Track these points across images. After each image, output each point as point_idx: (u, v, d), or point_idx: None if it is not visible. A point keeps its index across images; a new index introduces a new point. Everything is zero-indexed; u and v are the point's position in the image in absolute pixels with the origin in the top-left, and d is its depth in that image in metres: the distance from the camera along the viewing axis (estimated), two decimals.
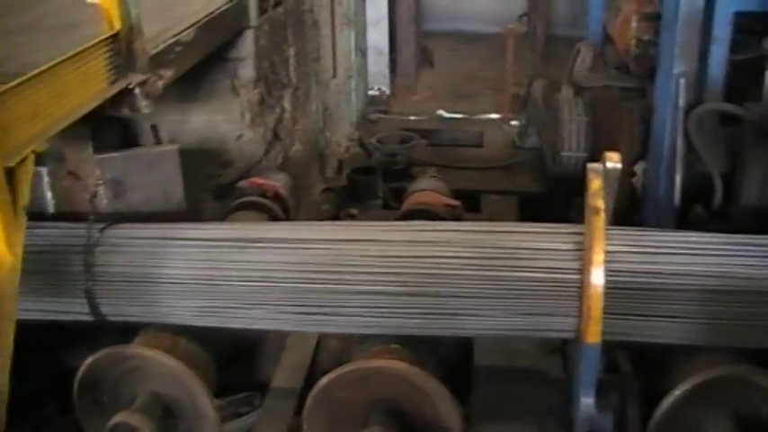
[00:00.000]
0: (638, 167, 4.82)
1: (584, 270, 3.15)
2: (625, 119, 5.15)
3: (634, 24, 4.96)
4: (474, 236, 3.40)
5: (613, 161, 3.20)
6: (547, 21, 10.01)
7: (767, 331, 3.29)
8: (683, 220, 4.35)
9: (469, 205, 6.12)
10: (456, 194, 5.37)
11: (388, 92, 9.04)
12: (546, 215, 5.41)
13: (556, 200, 6.23)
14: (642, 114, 4.92)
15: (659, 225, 4.36)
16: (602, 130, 5.74)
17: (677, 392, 3.30)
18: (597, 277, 3.07)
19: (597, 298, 3.06)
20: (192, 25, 4.21)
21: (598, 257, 3.07)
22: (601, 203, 3.12)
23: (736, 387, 3.44)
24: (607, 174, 3.20)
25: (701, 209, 4.33)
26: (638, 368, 3.68)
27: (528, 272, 3.27)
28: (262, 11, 5.14)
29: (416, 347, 3.49)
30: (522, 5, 10.39)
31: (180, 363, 3.45)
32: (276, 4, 5.50)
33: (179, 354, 3.53)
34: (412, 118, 8.44)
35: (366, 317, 3.41)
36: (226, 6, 4.65)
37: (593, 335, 3.11)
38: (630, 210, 4.96)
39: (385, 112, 8.67)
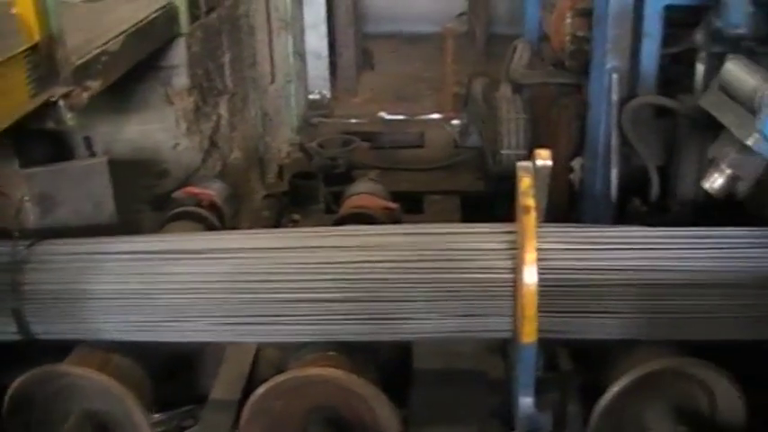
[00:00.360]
0: (576, 163, 4.83)
1: (516, 269, 3.13)
2: (562, 115, 5.15)
3: (568, 20, 4.97)
4: (407, 239, 3.37)
5: (543, 158, 3.19)
6: (487, 19, 10.03)
7: (705, 323, 3.30)
8: (621, 215, 4.36)
9: (412, 206, 6.12)
10: (398, 196, 5.34)
11: (328, 95, 8.98)
12: (488, 214, 5.38)
13: (498, 198, 6.22)
14: (578, 110, 4.93)
15: (597, 220, 4.37)
16: (541, 127, 5.73)
17: (616, 388, 3.30)
18: (530, 276, 3.05)
19: (531, 297, 3.04)
20: (120, 34, 4.14)
21: (530, 256, 3.05)
22: (531, 202, 3.10)
23: (675, 380, 3.45)
24: (537, 171, 3.19)
25: (638, 202, 4.34)
26: (578, 364, 3.68)
27: (462, 273, 3.24)
28: (194, 18, 5.07)
29: (354, 353, 3.45)
30: (463, 5, 10.40)
31: (113, 379, 3.38)
32: (209, 11, 5.43)
33: (112, 370, 3.45)
34: (353, 121, 8.40)
35: (303, 325, 3.35)
36: (155, 14, 4.58)
37: (529, 334, 3.09)
38: (569, 206, 4.97)
39: (326, 116, 8.62)
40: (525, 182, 3.13)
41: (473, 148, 7.17)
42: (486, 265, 3.24)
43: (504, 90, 6.28)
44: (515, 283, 3.15)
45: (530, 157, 5.45)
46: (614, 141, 4.26)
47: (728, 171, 3.30)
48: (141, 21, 4.41)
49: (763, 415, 3.56)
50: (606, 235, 3.31)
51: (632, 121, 4.24)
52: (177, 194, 4.59)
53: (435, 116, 8.41)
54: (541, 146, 5.21)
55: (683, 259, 3.28)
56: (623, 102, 4.23)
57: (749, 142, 3.07)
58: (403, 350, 3.83)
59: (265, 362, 3.97)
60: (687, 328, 3.31)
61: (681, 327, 3.30)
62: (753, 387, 3.46)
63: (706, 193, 4.10)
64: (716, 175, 3.36)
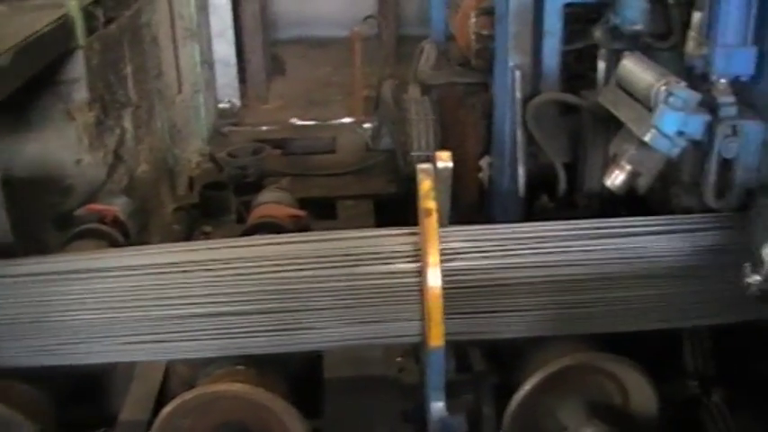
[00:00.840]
0: (484, 162, 4.81)
1: (421, 272, 3.10)
2: (470, 114, 5.14)
3: (473, 20, 4.96)
4: (310, 246, 3.30)
5: (444, 160, 3.17)
6: (395, 21, 10.02)
7: (614, 316, 3.31)
8: (530, 211, 4.35)
9: (325, 212, 6.07)
10: (311, 202, 5.29)
11: (238, 104, 8.90)
12: (402, 216, 5.35)
13: (411, 200, 6.20)
14: (485, 109, 4.91)
15: (506, 218, 4.36)
16: (450, 128, 5.72)
17: (527, 386, 3.30)
18: (434, 279, 3.02)
19: (436, 300, 3.02)
20: (10, 48, 4.01)
21: (433, 258, 3.02)
22: (432, 204, 3.08)
23: (587, 374, 3.46)
24: (439, 173, 3.16)
25: (546, 199, 4.34)
26: (491, 364, 3.66)
27: (368, 279, 3.20)
28: (91, 29, 4.97)
29: (263, 366, 3.39)
30: (371, 7, 10.37)
31: (12, 410, 3.25)
32: (108, 21, 5.31)
33: (12, 400, 3.32)
34: (264, 128, 8.30)
35: (209, 339, 3.27)
36: (49, 27, 4.46)
37: (436, 338, 3.06)
38: (480, 205, 4.96)
39: (237, 125, 8.52)
40: (426, 184, 3.11)
41: (385, 150, 7.14)
42: (391, 270, 3.20)
43: (413, 92, 6.26)
44: (421, 286, 3.12)
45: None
46: (520, 139, 4.24)
47: (629, 167, 3.29)
48: (34, 34, 4.28)
49: (673, 402, 3.61)
50: (510, 232, 3.29)
51: (537, 118, 4.22)
52: (80, 212, 4.47)
53: (347, 120, 8.38)
54: (450, 146, 5.22)
55: (589, 252, 3.28)
56: (527, 99, 4.22)
57: (646, 138, 3.07)
58: (313, 360, 3.77)
59: (176, 378, 3.88)
60: (596, 322, 3.32)
61: (590, 321, 3.31)
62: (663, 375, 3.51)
63: None
64: (617, 171, 3.35)
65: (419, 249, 3.17)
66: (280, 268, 3.24)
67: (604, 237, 3.28)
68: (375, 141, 7.41)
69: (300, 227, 4.42)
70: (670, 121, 3.01)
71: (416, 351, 3.73)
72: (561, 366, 3.30)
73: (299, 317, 3.23)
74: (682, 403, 3.73)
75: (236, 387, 3.23)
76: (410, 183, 6.05)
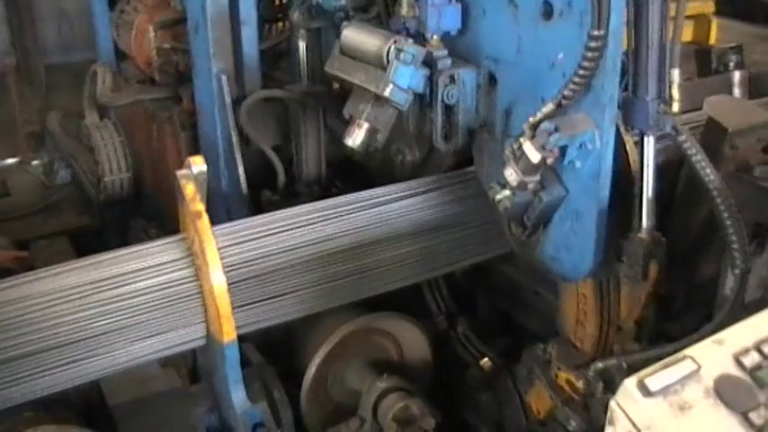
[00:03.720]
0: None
1: (201, 274, 3.16)
2: (166, 129, 5.14)
3: (152, 35, 4.96)
4: (77, 273, 3.20)
5: (198, 164, 3.23)
6: (39, 50, 9.60)
7: (374, 279, 3.58)
8: (258, 209, 4.46)
9: None
10: None
11: None
12: (103, 244, 5.25)
13: (110, 227, 6.11)
14: (182, 120, 4.94)
15: (234, 219, 4.45)
16: (143, 146, 5.69)
17: (317, 360, 3.48)
18: (217, 276, 3.09)
19: (223, 296, 3.09)
20: None
21: (213, 257, 3.08)
22: (201, 206, 3.15)
23: (363, 337, 3.76)
24: (196, 178, 3.22)
25: (269, 194, 4.47)
26: (268, 354, 3.79)
27: (140, 294, 3.19)
28: None
29: (52, 406, 3.26)
30: (5, 38, 9.83)
31: None
32: None
33: None
34: None
35: None
36: None
37: (229, 333, 3.14)
38: None
39: None
40: (189, 188, 3.17)
41: (66, 184, 6.91)
42: (165, 280, 3.22)
43: (91, 117, 6.13)
44: (201, 288, 3.18)
45: (137, 178, 5.46)
46: (235, 141, 4.33)
47: (366, 125, 3.48)
48: None
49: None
50: (274, 219, 3.45)
51: (248, 118, 4.34)
52: None
53: (12, 161, 7.94)
54: (149, 164, 5.21)
55: (337, 226, 3.52)
56: (236, 102, 4.31)
57: (386, 93, 3.26)
58: (92, 390, 3.66)
59: None
60: (368, 286, 3.58)
61: (362, 286, 3.56)
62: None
63: (327, 172, 4.39)
64: (356, 131, 3.53)
65: (189, 254, 3.23)
66: (51, 303, 3.12)
67: (360, 209, 3.53)
68: (50, 177, 7.12)
69: (27, 268, 4.21)
70: (404, 75, 3.25)
71: (193, 356, 3.76)
72: (340, 336, 3.51)
73: (79, 348, 3.13)
74: (436, 340, 4.08)
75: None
76: (108, 209, 6.01)
